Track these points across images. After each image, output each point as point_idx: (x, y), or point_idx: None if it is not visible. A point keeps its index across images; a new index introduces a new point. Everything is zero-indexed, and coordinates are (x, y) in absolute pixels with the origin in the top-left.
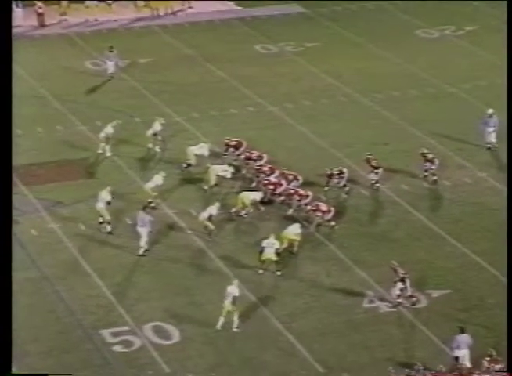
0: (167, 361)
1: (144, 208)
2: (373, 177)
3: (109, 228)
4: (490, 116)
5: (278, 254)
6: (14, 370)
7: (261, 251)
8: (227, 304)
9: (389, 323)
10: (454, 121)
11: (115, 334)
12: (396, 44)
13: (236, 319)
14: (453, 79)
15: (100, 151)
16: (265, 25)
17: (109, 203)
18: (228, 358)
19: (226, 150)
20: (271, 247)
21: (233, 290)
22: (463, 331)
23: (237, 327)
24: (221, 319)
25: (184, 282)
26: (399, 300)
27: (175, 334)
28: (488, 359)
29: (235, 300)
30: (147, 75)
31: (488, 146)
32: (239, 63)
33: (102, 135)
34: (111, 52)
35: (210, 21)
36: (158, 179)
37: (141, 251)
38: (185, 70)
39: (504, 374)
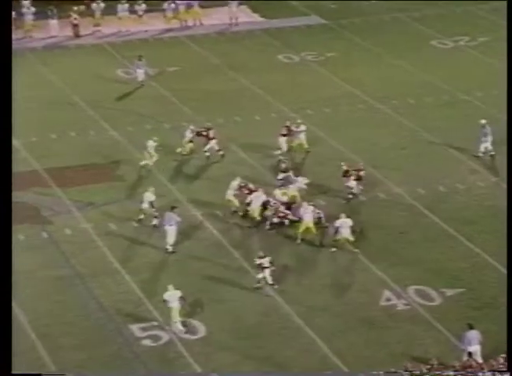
0: (193, 355)
1: (172, 209)
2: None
3: (155, 221)
4: (483, 126)
5: (353, 232)
6: (48, 362)
7: (336, 232)
8: (176, 308)
9: (405, 321)
10: (468, 128)
11: (144, 329)
12: (412, 54)
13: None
14: (467, 87)
15: (149, 163)
16: (288, 36)
17: (152, 203)
18: (252, 353)
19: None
20: (346, 227)
21: (175, 293)
22: (471, 327)
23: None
24: (178, 320)
25: (209, 279)
26: (258, 285)
27: (201, 330)
28: (504, 356)
29: (182, 301)
30: (175, 83)
31: (480, 154)
32: (262, 71)
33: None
34: (140, 60)
35: (236, 32)
36: (234, 184)
37: (170, 249)
38: (211, 78)
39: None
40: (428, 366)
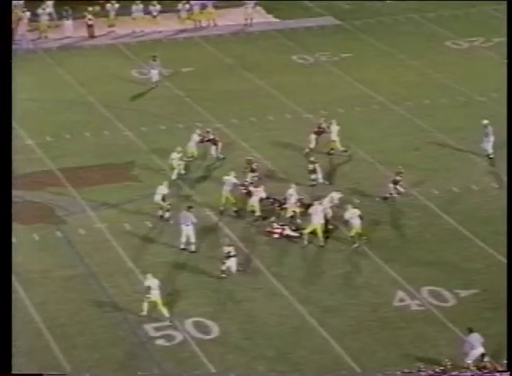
0: (207, 355)
1: (188, 209)
2: None
3: (167, 214)
4: (485, 126)
5: (361, 217)
6: (63, 361)
7: (346, 224)
8: (155, 296)
9: (418, 321)
10: (482, 129)
11: (158, 329)
12: (427, 54)
13: (163, 308)
14: (482, 88)
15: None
16: (302, 36)
17: (164, 197)
18: (266, 353)
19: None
20: (355, 218)
21: (153, 281)
22: (471, 331)
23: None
24: (146, 307)
25: (223, 279)
26: (223, 275)
27: (215, 329)
28: None
29: (160, 290)
30: (189, 83)
31: (486, 153)
32: (276, 72)
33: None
34: (154, 60)
35: (250, 32)
36: (230, 179)
37: (193, 248)
38: (225, 78)
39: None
40: (441, 368)
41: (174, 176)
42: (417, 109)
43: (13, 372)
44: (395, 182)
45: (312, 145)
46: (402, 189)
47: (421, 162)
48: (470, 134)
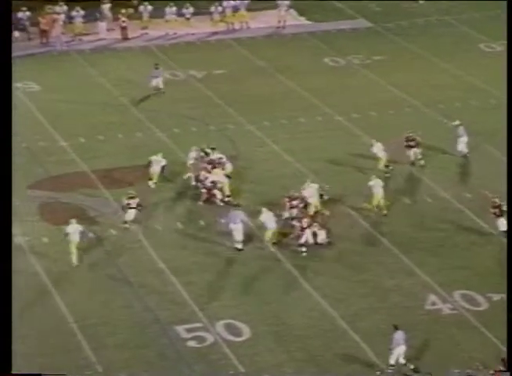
0: (237, 357)
1: (237, 207)
2: None
3: (152, 184)
4: (457, 127)
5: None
6: (94, 361)
7: (371, 197)
8: (74, 241)
9: (450, 325)
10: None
11: (189, 330)
12: (460, 57)
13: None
14: None
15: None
16: (334, 39)
17: (163, 168)
18: (296, 355)
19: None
20: (378, 187)
21: (76, 227)
22: (397, 328)
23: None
24: (75, 256)
25: (254, 282)
26: (126, 225)
27: (246, 332)
28: None
29: (83, 235)
30: (222, 86)
31: (462, 154)
32: (308, 74)
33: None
34: (157, 69)
35: (283, 35)
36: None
37: (239, 246)
38: (257, 80)
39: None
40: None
41: (186, 176)
42: (449, 111)
43: (13, 372)
44: (497, 214)
45: (412, 158)
46: (503, 228)
47: (454, 165)
48: (502, 136)
